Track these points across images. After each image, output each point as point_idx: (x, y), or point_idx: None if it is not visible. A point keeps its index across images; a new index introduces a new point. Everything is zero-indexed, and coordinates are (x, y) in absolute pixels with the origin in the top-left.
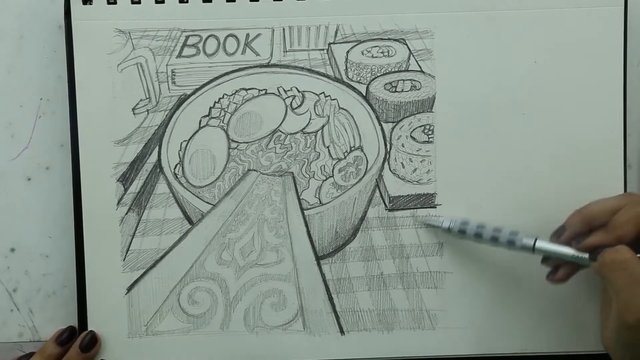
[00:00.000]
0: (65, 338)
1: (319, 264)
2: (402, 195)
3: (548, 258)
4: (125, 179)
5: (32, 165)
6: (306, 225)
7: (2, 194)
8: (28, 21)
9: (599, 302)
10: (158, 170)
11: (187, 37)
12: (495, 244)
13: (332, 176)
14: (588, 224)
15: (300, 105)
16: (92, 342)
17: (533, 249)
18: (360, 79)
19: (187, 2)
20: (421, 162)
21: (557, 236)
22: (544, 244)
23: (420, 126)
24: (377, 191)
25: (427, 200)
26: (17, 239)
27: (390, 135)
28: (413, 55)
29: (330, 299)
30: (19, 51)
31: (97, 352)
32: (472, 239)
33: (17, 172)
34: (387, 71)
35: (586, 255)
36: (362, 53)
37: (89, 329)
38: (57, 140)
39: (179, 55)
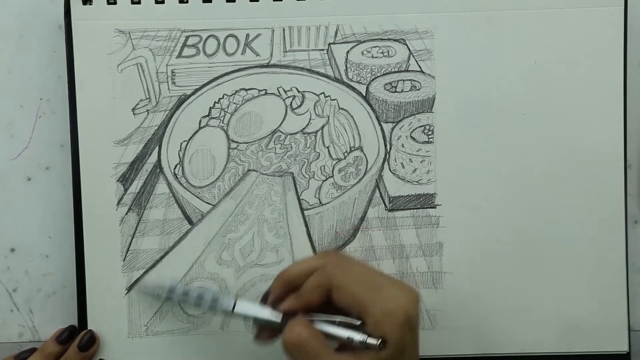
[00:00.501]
0: (66, 337)
1: None
2: (402, 196)
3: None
4: (125, 179)
5: (32, 165)
6: (306, 226)
7: (2, 194)
8: (28, 21)
9: (598, 302)
10: (158, 170)
11: (187, 38)
12: (200, 308)
13: (332, 176)
14: (288, 287)
15: (300, 106)
16: (91, 341)
17: (232, 312)
18: (360, 79)
19: (187, 2)
20: (421, 162)
21: (264, 299)
22: (242, 308)
23: (420, 126)
24: (377, 191)
25: (427, 201)
26: (17, 239)
27: (390, 136)
28: (413, 56)
29: None
30: (19, 51)
31: (95, 351)
32: (178, 304)
33: (17, 172)
34: (387, 71)
35: (278, 320)
36: (362, 53)
37: (89, 328)
38: (57, 140)
39: (179, 56)
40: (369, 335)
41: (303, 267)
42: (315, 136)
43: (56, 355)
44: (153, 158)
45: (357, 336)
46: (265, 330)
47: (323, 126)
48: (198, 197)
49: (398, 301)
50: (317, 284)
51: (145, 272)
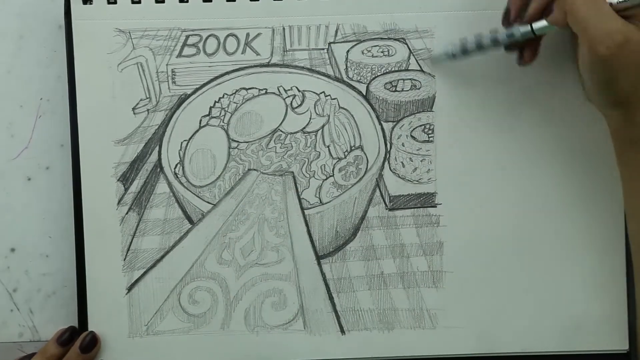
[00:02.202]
0: (67, 338)
1: (319, 264)
2: (403, 195)
3: (509, 47)
4: (126, 179)
5: (32, 165)
6: (306, 225)
7: (2, 194)
8: (28, 21)
9: (599, 301)
10: (158, 169)
11: (187, 37)
12: (497, 44)
13: (333, 175)
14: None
15: (300, 105)
16: (92, 343)
17: (533, 32)
18: (360, 79)
19: (187, 1)
20: (421, 161)
21: (506, 21)
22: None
23: (421, 125)
24: (378, 190)
25: (427, 200)
26: (17, 239)
27: (391, 135)
28: (413, 55)
29: (331, 298)
30: (19, 51)
31: (97, 353)
32: (475, 53)
33: (17, 172)
34: (387, 70)
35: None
36: (362, 52)
37: (90, 328)
38: (57, 140)
39: (179, 55)
40: None
41: None
42: (316, 135)
43: (57, 357)
44: (153, 157)
45: None
46: (527, 48)
47: (323, 125)
48: (198, 197)
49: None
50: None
51: (146, 272)
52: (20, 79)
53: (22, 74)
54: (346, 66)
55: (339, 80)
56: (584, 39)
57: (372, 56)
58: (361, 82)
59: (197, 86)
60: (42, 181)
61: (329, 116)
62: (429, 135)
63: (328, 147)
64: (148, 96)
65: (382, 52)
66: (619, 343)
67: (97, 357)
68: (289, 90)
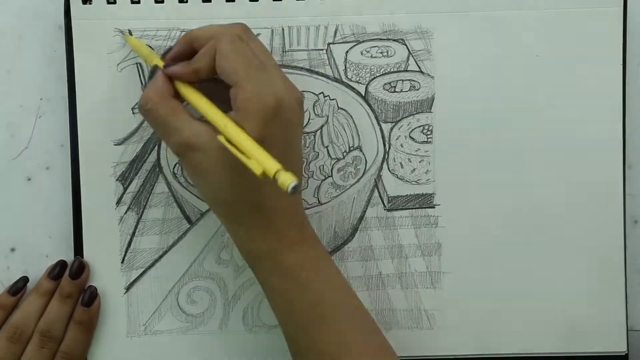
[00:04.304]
0: (58, 272)
1: None
2: (401, 195)
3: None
4: (125, 179)
5: (32, 165)
6: None
7: (2, 194)
8: (28, 21)
9: (597, 302)
10: (157, 169)
11: None
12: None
13: (331, 176)
14: (191, 46)
15: None
16: (81, 268)
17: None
18: (359, 79)
19: (186, 1)
20: (420, 162)
21: (166, 52)
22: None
23: (419, 126)
24: (376, 191)
25: (425, 200)
26: (17, 239)
27: (389, 136)
28: (412, 56)
29: None
30: (19, 51)
31: (87, 278)
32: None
33: (17, 172)
34: (386, 71)
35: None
36: (361, 53)
37: (77, 256)
38: (57, 140)
39: None
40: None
41: (208, 31)
42: (315, 136)
43: (51, 291)
44: (152, 157)
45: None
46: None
47: (322, 126)
48: (197, 196)
49: (275, 86)
50: (207, 50)
51: (144, 272)
52: (20, 79)
53: (22, 74)
54: (345, 67)
55: (338, 80)
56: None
57: (371, 57)
58: (360, 83)
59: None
60: (42, 181)
61: (327, 117)
62: (428, 136)
63: (327, 147)
64: None
65: (381, 52)
66: (617, 345)
67: (87, 283)
68: None
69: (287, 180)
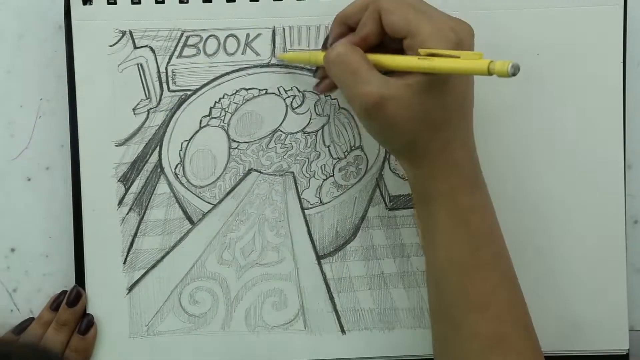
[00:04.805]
0: (59, 303)
1: (319, 264)
2: (403, 195)
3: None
4: (126, 179)
5: (32, 165)
6: (307, 225)
7: (2, 194)
8: (28, 21)
9: (598, 302)
10: (159, 170)
11: (188, 37)
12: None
13: (333, 175)
14: (346, 26)
15: (300, 105)
16: (78, 296)
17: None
18: None
19: (187, 2)
20: None
21: (324, 45)
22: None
23: None
24: (378, 190)
25: None
26: (17, 239)
27: None
28: None
29: (331, 298)
30: (19, 51)
31: (84, 306)
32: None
33: (17, 172)
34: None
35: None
36: None
37: (75, 284)
38: (57, 140)
39: (180, 56)
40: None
41: (357, 4)
42: (316, 135)
43: (52, 322)
44: (154, 158)
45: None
46: (327, 79)
47: (323, 125)
48: (199, 197)
49: (449, 24)
50: (369, 14)
51: (147, 272)
52: (20, 79)
53: (22, 74)
54: None
55: None
56: (345, 97)
57: None
58: None
59: (198, 87)
60: (42, 181)
61: (329, 116)
62: None
63: (328, 147)
64: (148, 97)
65: None
66: (619, 343)
67: (86, 311)
68: (289, 90)
69: (504, 64)
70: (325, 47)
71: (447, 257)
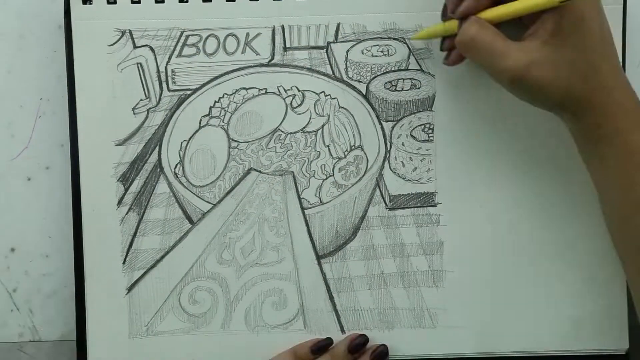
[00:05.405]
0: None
1: (319, 263)
2: (403, 194)
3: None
4: (126, 179)
5: (32, 165)
6: (307, 225)
7: (2, 194)
8: (28, 21)
9: (599, 301)
10: (158, 169)
11: (187, 37)
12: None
13: (333, 175)
14: None
15: (300, 105)
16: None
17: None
18: (360, 78)
19: (187, 1)
20: (421, 161)
21: (443, 13)
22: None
23: (420, 125)
24: (378, 190)
25: (427, 199)
26: (17, 239)
27: (391, 134)
28: (413, 54)
29: (331, 297)
30: (19, 51)
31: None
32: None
33: (17, 172)
34: (387, 70)
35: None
36: (362, 52)
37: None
38: (57, 140)
39: (179, 55)
40: None
41: None
42: (316, 135)
43: None
44: (153, 157)
45: None
46: (455, 51)
47: (323, 125)
48: (198, 197)
49: None
50: None
51: (146, 272)
52: (20, 79)
53: (22, 74)
54: (346, 66)
55: (339, 79)
56: (488, 73)
57: (372, 56)
58: (361, 82)
59: (197, 86)
60: (42, 181)
61: (328, 116)
62: (429, 135)
63: (328, 146)
64: (148, 96)
65: (382, 51)
66: (619, 343)
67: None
68: (288, 90)
69: None
70: (444, 14)
71: (625, 199)
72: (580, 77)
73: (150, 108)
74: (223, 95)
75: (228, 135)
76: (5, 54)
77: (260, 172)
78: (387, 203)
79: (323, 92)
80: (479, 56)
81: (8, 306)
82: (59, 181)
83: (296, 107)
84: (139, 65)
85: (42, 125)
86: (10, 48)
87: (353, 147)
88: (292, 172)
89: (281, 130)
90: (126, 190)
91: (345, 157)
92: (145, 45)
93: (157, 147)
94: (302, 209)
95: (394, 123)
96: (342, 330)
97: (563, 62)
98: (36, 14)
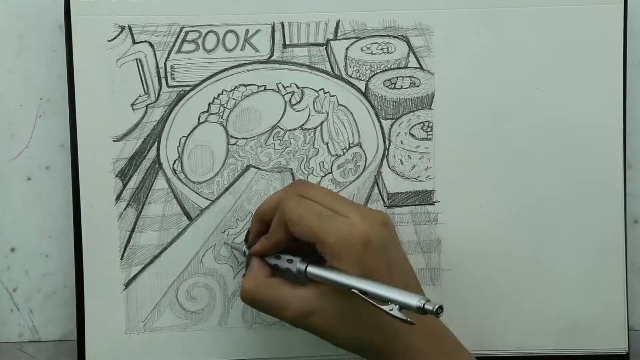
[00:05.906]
0: None
1: None
2: (401, 192)
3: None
4: (124, 175)
5: (32, 165)
6: None
7: (2, 194)
8: (28, 21)
9: (598, 301)
10: (157, 166)
11: (187, 33)
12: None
13: (331, 172)
14: (263, 222)
15: (299, 102)
16: None
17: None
18: (359, 76)
19: None
20: (420, 159)
21: (246, 238)
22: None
23: (419, 123)
24: (376, 188)
25: (425, 197)
26: (17, 239)
27: (389, 132)
28: (413, 52)
29: None
30: (19, 51)
31: None
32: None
33: (17, 172)
34: (387, 68)
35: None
36: (362, 49)
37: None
38: (57, 140)
39: (179, 51)
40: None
41: (271, 202)
42: (315, 132)
43: None
44: (152, 153)
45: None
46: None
47: (322, 122)
48: (197, 193)
49: (353, 226)
50: (277, 222)
51: (144, 268)
52: (20, 78)
53: (22, 73)
54: (345, 63)
55: (338, 77)
56: None
57: (372, 53)
58: (360, 80)
59: (196, 82)
60: (42, 181)
61: (327, 113)
62: (428, 133)
63: (327, 144)
64: (147, 92)
65: (381, 49)
66: (618, 343)
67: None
68: (287, 87)
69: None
70: (246, 240)
71: None
72: (371, 326)
73: (149, 104)
74: (222, 92)
75: (227, 131)
76: (5, 54)
77: (258, 168)
78: (386, 201)
79: (322, 89)
80: (261, 310)
81: (8, 306)
82: (59, 181)
83: (295, 104)
84: (138, 61)
85: (42, 125)
86: (10, 48)
87: (352, 145)
88: (291, 169)
89: (280, 127)
90: (124, 185)
91: (343, 154)
92: (145, 41)
93: (156, 143)
94: None
95: (393, 121)
96: None
97: (347, 312)
98: (36, 14)
